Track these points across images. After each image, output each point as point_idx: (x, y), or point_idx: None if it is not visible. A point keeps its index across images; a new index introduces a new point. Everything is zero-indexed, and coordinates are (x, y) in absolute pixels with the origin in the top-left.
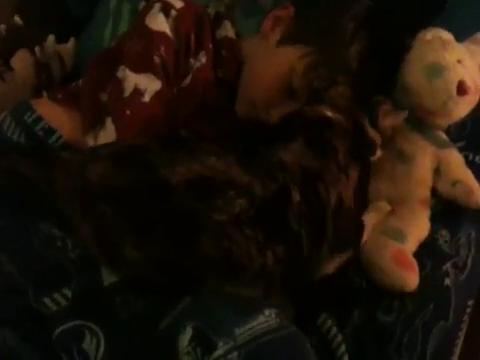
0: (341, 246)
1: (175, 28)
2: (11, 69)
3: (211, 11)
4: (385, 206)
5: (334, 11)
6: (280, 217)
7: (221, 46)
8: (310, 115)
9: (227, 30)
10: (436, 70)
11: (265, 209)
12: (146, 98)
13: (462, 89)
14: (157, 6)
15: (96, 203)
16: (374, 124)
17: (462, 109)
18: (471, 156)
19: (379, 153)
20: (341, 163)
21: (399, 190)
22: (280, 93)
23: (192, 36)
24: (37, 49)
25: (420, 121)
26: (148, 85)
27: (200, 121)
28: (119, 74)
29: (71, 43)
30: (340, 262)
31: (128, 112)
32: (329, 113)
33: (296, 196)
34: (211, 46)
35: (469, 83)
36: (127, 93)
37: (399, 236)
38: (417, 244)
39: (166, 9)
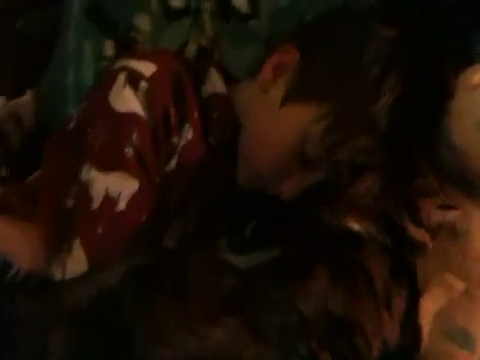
0: None
1: (148, 104)
2: None
3: (191, 48)
4: (454, 282)
5: (350, 52)
6: None
7: (210, 107)
8: (332, 230)
9: (215, 83)
10: None
11: None
12: (121, 205)
13: None
14: (122, 77)
15: None
16: (415, 219)
17: None
18: None
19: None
20: (380, 295)
21: (455, 272)
22: (291, 162)
23: (171, 109)
24: None
25: (472, 186)
26: (122, 188)
27: (194, 201)
28: (83, 176)
29: (28, 96)
30: None
31: (100, 230)
32: (355, 225)
33: None
34: (197, 114)
35: None
36: (96, 204)
37: (466, 341)
38: None
39: (133, 80)
